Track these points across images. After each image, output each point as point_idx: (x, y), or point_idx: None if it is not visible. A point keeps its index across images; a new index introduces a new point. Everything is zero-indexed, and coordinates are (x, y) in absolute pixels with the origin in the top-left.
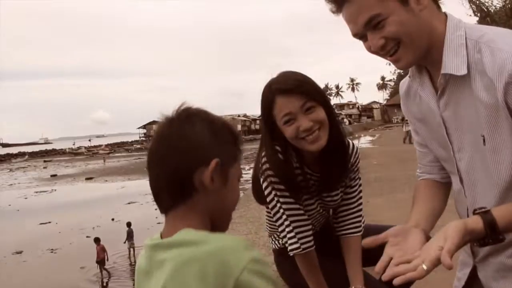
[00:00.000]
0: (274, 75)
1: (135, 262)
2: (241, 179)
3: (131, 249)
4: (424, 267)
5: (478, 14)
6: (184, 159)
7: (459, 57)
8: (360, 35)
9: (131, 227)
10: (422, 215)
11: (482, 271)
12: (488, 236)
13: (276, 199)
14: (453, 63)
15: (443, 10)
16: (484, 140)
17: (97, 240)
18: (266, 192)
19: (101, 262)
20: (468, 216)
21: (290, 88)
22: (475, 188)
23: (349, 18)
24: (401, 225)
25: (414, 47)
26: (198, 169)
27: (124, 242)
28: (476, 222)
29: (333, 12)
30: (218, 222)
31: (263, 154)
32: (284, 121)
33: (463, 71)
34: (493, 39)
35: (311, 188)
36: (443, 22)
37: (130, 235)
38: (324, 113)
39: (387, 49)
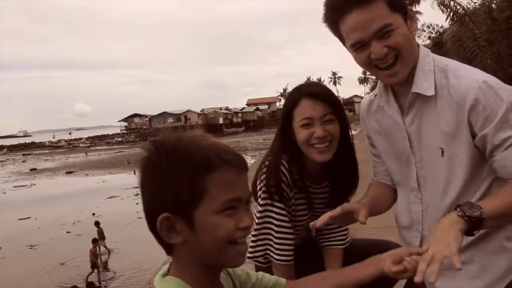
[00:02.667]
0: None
1: (106, 261)
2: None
3: (101, 248)
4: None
5: (452, 16)
6: (148, 212)
7: (428, 80)
8: (364, 42)
9: (100, 226)
10: (366, 200)
11: None
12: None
13: (268, 207)
14: (423, 84)
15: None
16: (442, 152)
17: (95, 241)
18: (261, 197)
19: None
20: (422, 218)
21: (319, 92)
22: (430, 193)
23: (358, 24)
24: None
25: (408, 61)
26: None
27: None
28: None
29: (329, 20)
30: (214, 264)
31: (266, 162)
32: (301, 124)
33: (431, 92)
34: (457, 68)
35: (306, 200)
36: (417, 48)
37: (101, 235)
38: (338, 130)
39: (386, 59)
